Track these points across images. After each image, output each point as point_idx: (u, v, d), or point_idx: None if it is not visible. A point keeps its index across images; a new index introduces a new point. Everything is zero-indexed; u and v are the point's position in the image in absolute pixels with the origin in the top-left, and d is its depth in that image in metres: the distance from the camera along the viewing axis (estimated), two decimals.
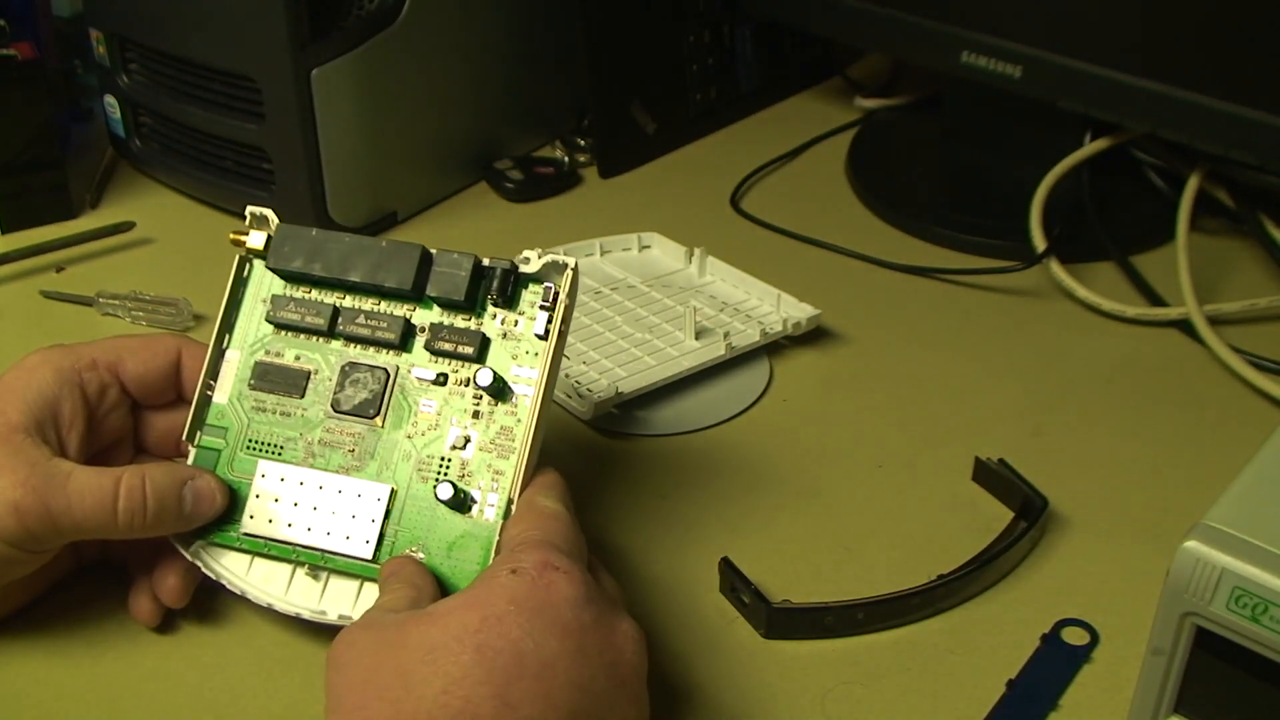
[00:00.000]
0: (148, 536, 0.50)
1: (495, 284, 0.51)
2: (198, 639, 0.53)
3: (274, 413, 0.52)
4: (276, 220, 0.53)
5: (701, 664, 0.52)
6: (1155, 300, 0.74)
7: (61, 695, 0.50)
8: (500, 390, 0.51)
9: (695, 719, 0.50)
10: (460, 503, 0.49)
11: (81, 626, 0.53)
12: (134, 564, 0.53)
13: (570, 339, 0.68)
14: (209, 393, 0.52)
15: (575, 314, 0.69)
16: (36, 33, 0.83)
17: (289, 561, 0.50)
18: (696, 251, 0.75)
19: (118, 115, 0.83)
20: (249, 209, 0.53)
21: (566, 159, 0.89)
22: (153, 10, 0.77)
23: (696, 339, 0.68)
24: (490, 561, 0.48)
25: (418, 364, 0.52)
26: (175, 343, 0.54)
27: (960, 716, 0.50)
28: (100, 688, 0.50)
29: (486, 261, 0.51)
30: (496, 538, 0.49)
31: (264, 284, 0.53)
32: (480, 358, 0.51)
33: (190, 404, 0.52)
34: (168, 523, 0.49)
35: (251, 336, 0.53)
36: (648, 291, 0.73)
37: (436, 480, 0.50)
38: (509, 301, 0.51)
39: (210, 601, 0.53)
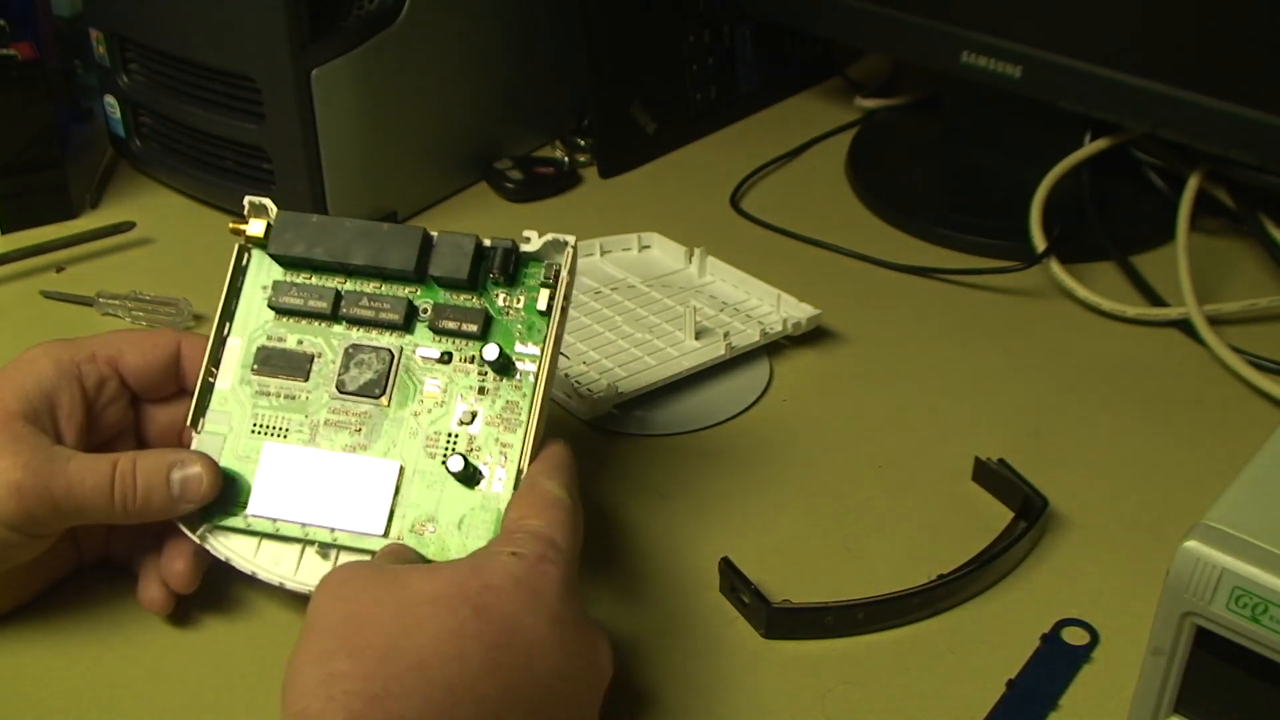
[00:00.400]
0: (145, 521, 0.50)
1: (497, 263, 0.52)
2: (198, 638, 0.53)
3: (278, 396, 0.52)
4: (275, 208, 0.53)
5: (701, 664, 0.52)
6: (1155, 300, 0.74)
7: (61, 694, 0.50)
8: (505, 366, 0.51)
9: (695, 719, 0.50)
10: (469, 476, 0.50)
11: (81, 625, 0.53)
12: (140, 556, 0.53)
13: (570, 339, 0.68)
14: (211, 379, 0.53)
15: (575, 314, 0.70)
16: (36, 33, 0.83)
17: (298, 541, 0.51)
18: (696, 251, 0.75)
19: (118, 115, 0.83)
20: (247, 199, 0.53)
21: (566, 159, 0.89)
22: (153, 10, 0.77)
23: (696, 339, 0.68)
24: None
25: (422, 344, 0.52)
26: (175, 336, 0.54)
27: (960, 716, 0.50)
28: (100, 686, 0.50)
29: (487, 242, 0.53)
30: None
31: (263, 271, 0.54)
32: (484, 335, 0.52)
33: (192, 395, 0.53)
34: (157, 506, 0.49)
35: (253, 323, 0.53)
36: (648, 291, 0.73)
37: (445, 455, 0.50)
38: (511, 280, 0.52)
39: (211, 601, 0.53)
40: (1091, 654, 0.52)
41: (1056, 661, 0.52)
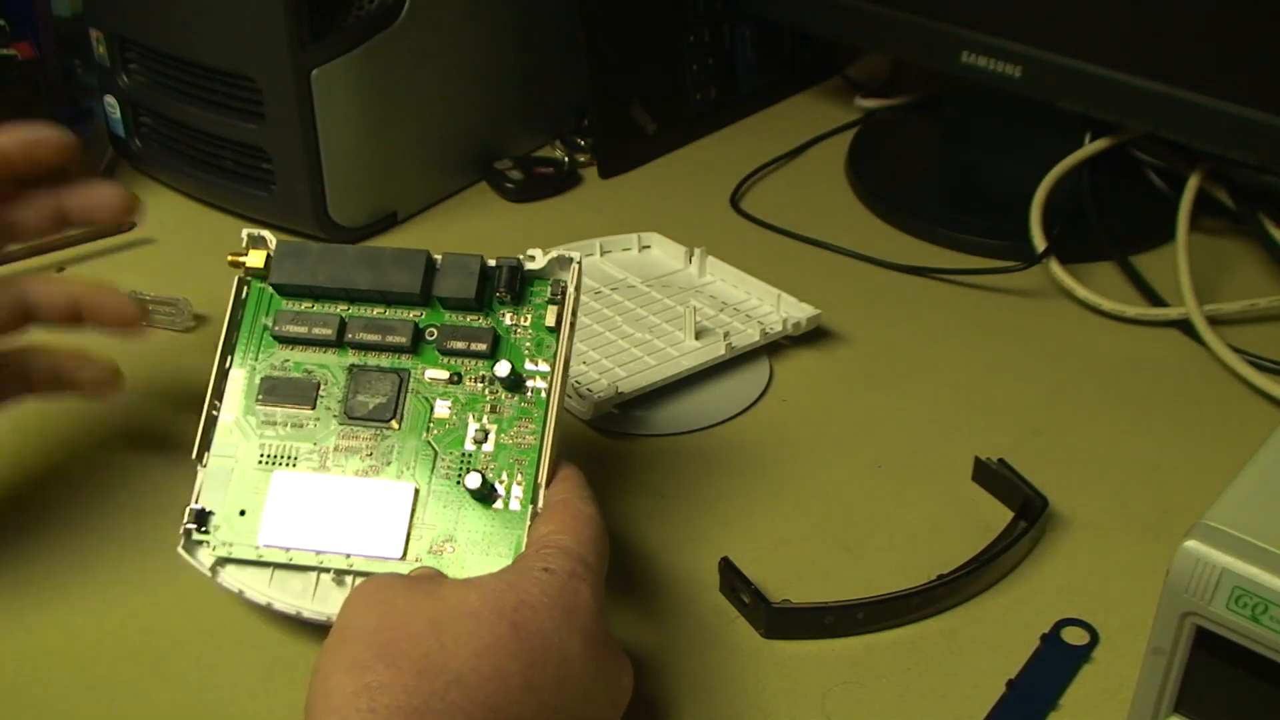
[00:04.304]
0: None
1: (503, 282, 0.52)
2: (198, 639, 0.53)
3: (285, 425, 0.52)
4: (274, 239, 0.53)
5: (701, 664, 0.52)
6: (1155, 300, 0.74)
7: (61, 696, 0.50)
8: (517, 384, 0.51)
9: (695, 719, 0.50)
10: (487, 494, 0.50)
11: (81, 627, 0.53)
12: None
13: None
14: (215, 413, 0.52)
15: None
16: (36, 33, 0.83)
17: (313, 569, 0.50)
18: (696, 251, 0.75)
19: (118, 115, 0.83)
20: (245, 231, 0.53)
21: (566, 159, 0.89)
22: (153, 10, 0.77)
23: (696, 339, 0.68)
24: (521, 553, 0.49)
25: (430, 366, 0.52)
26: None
27: (960, 716, 0.50)
28: (100, 687, 0.50)
29: (492, 262, 0.52)
30: (527, 524, 0.49)
31: (264, 302, 0.54)
32: (493, 354, 0.52)
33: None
34: None
35: (255, 354, 0.53)
36: (648, 291, 0.73)
37: (460, 475, 0.50)
38: (517, 299, 0.52)
39: (210, 602, 0.53)
40: (1091, 654, 0.52)
41: (1056, 661, 0.52)
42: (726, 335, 0.68)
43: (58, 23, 0.91)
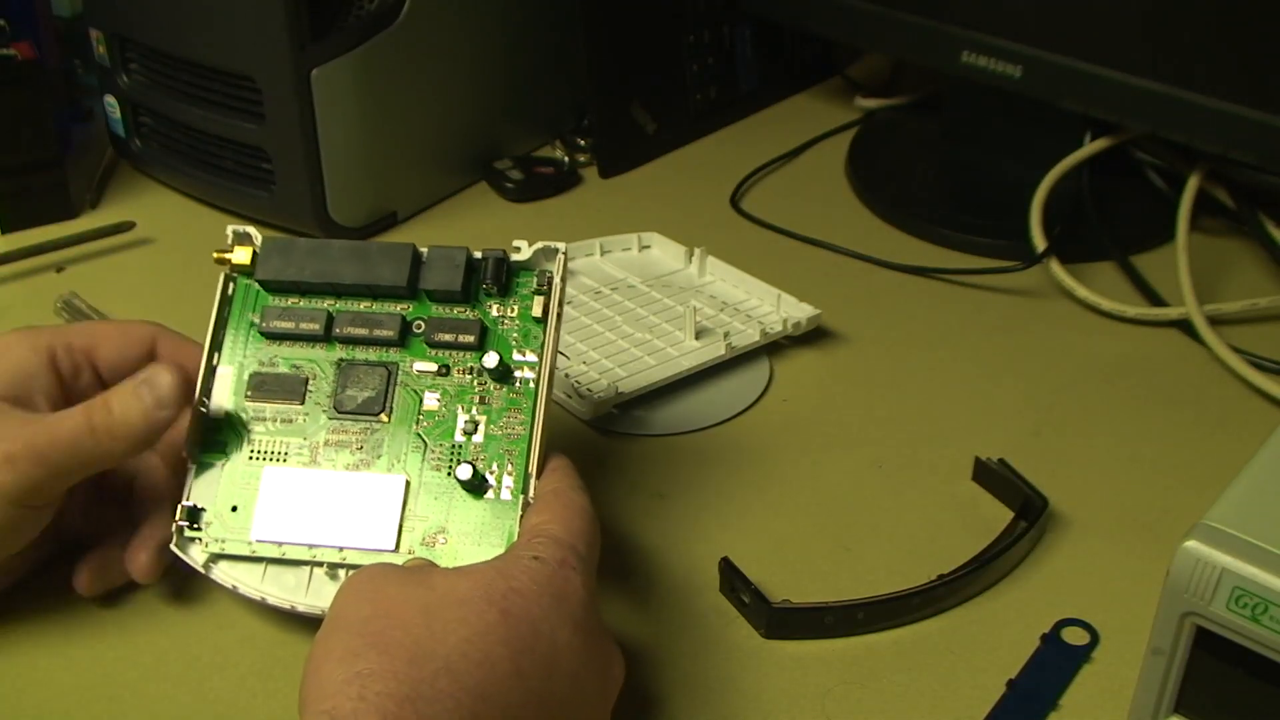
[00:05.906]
0: (139, 448, 0.49)
1: (489, 273, 0.52)
2: (198, 639, 0.52)
3: (274, 421, 0.52)
4: (260, 236, 0.53)
5: (701, 664, 0.52)
6: (1155, 300, 0.74)
7: (61, 695, 0.50)
8: (505, 374, 0.51)
9: (695, 719, 0.50)
10: (478, 485, 0.50)
11: (80, 627, 0.53)
12: (112, 536, 0.53)
13: (570, 339, 0.68)
14: (204, 410, 0.52)
15: (575, 314, 0.70)
16: (36, 33, 0.83)
17: (305, 564, 0.50)
18: (696, 251, 0.75)
19: (118, 115, 0.83)
20: (230, 228, 0.53)
21: (566, 159, 0.89)
22: (153, 10, 0.77)
23: (696, 339, 0.68)
24: (514, 542, 0.49)
25: (418, 358, 0.52)
26: (150, 331, 0.54)
27: (960, 716, 0.50)
28: (100, 688, 0.50)
29: (478, 254, 0.53)
30: (518, 514, 0.49)
31: (250, 298, 0.54)
32: (481, 346, 0.52)
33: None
34: (136, 420, 0.48)
35: (243, 350, 0.53)
36: (648, 291, 0.73)
37: (451, 466, 0.50)
38: (504, 290, 0.53)
39: (210, 602, 0.54)
40: (1091, 654, 0.52)
41: (1056, 661, 0.52)
42: (726, 335, 0.68)
43: (58, 23, 0.91)
